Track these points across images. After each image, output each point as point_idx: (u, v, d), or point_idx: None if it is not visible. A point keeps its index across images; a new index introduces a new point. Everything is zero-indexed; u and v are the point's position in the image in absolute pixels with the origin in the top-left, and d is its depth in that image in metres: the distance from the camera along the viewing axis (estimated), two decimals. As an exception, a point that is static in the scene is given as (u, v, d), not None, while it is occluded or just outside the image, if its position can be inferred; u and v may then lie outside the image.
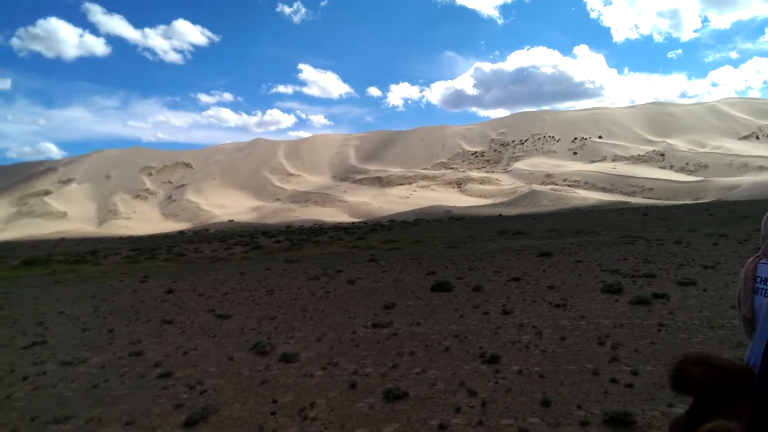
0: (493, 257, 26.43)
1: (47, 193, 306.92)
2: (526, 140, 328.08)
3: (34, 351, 10.95)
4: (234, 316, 14.16)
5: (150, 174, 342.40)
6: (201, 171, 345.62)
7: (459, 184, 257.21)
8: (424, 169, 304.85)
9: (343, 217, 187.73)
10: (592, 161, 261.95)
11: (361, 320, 12.29)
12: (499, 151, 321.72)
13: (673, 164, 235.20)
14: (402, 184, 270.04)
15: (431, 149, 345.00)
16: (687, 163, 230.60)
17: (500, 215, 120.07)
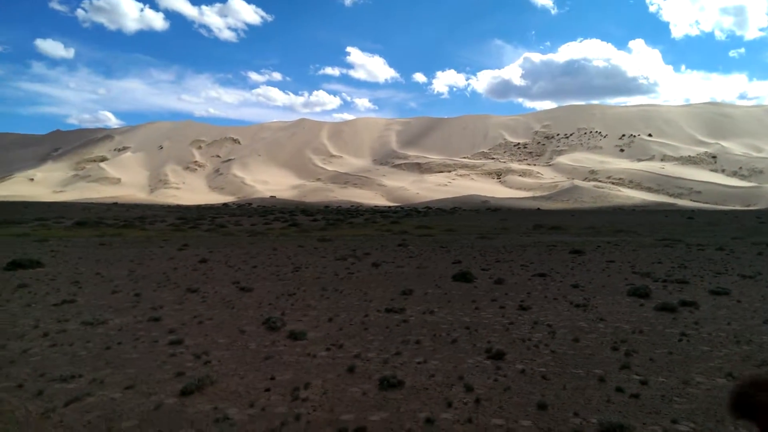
0: (524, 251, 25.91)
1: (103, 159, 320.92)
2: (571, 134, 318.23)
3: (62, 309, 11.49)
4: (256, 289, 14.42)
5: (200, 147, 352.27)
6: (247, 147, 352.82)
7: (499, 175, 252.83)
8: (465, 157, 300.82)
9: (381, 201, 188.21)
10: (640, 159, 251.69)
11: (377, 304, 12.29)
12: (543, 144, 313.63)
13: (725, 168, 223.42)
14: (441, 172, 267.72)
15: (473, 138, 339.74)
16: (740, 168, 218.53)
17: (538, 209, 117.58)
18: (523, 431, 5.42)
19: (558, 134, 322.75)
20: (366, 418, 5.73)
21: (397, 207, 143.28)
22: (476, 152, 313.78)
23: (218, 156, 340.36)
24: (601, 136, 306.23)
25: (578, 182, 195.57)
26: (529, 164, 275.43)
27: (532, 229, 46.33)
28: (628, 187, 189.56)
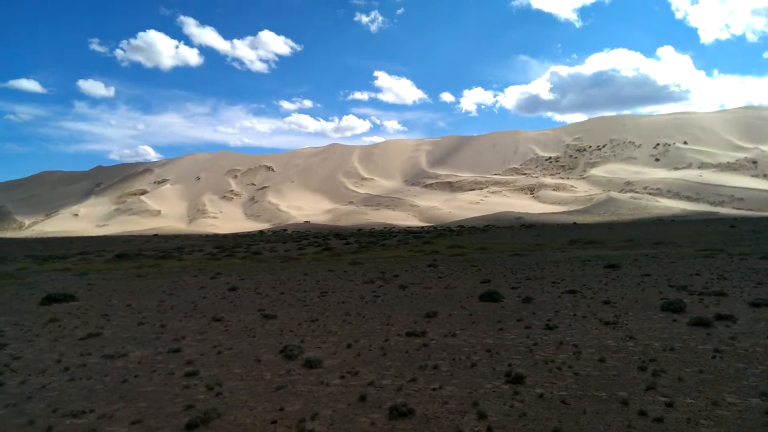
0: (557, 267, 25.20)
1: (144, 192, 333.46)
2: (604, 146, 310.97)
3: (87, 342, 11.73)
4: (279, 316, 14.42)
5: (235, 176, 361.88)
6: (281, 174, 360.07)
7: (532, 190, 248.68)
8: (496, 174, 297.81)
9: (413, 221, 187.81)
10: (676, 168, 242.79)
11: (398, 328, 12.07)
12: (575, 157, 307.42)
13: (767, 173, 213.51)
14: (473, 189, 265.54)
15: (503, 154, 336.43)
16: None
17: (574, 223, 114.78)
18: (535, 462, 5.11)
19: (590, 146, 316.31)
20: (370, 451, 5.53)
21: (430, 227, 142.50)
22: (507, 168, 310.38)
23: (253, 184, 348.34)
24: (635, 146, 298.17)
25: (614, 194, 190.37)
26: (562, 178, 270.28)
27: (568, 244, 45.14)
28: (666, 197, 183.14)
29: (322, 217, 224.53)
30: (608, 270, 22.69)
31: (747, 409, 6.09)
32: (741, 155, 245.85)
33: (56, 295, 18.58)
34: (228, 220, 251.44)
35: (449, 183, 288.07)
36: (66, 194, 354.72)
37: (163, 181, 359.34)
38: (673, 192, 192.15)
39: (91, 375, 8.87)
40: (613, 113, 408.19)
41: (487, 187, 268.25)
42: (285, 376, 8.45)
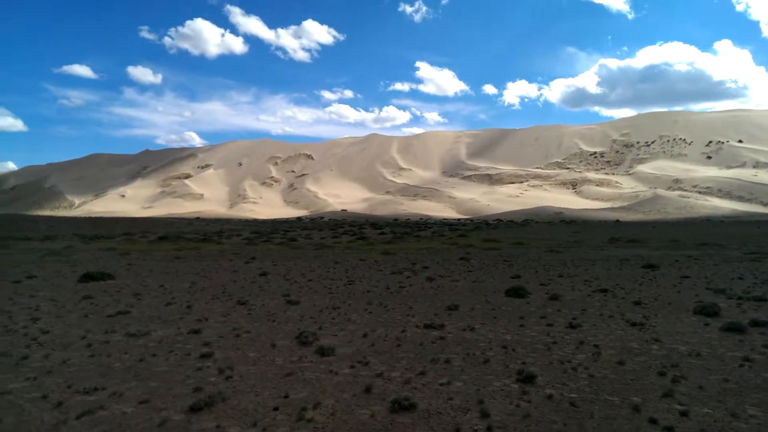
0: (593, 265, 24.46)
1: (188, 176, 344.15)
2: (652, 142, 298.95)
3: (115, 320, 12.16)
4: (302, 302, 14.55)
5: (276, 163, 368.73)
6: (320, 163, 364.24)
7: (574, 185, 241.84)
8: (537, 168, 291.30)
9: (450, 213, 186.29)
10: (729, 167, 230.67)
11: (418, 319, 11.97)
12: (622, 153, 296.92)
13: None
14: (512, 183, 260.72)
15: (546, 148, 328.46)
16: None
17: (617, 221, 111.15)
18: (532, 466, 4.94)
19: (638, 142, 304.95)
20: (365, 443, 5.47)
21: (466, 219, 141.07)
22: (549, 162, 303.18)
23: (293, 171, 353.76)
24: (686, 143, 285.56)
25: (661, 192, 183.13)
26: (606, 173, 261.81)
27: (607, 242, 43.76)
28: (717, 197, 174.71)
29: (359, 205, 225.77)
30: (646, 270, 21.85)
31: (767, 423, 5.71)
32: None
33: (94, 273, 19.35)
34: (267, 205, 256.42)
35: (488, 175, 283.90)
36: (114, 176, 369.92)
37: (207, 166, 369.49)
38: (724, 191, 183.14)
39: (112, 352, 9.17)
40: (664, 109, 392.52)
41: (527, 180, 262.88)
42: (296, 363, 8.50)
